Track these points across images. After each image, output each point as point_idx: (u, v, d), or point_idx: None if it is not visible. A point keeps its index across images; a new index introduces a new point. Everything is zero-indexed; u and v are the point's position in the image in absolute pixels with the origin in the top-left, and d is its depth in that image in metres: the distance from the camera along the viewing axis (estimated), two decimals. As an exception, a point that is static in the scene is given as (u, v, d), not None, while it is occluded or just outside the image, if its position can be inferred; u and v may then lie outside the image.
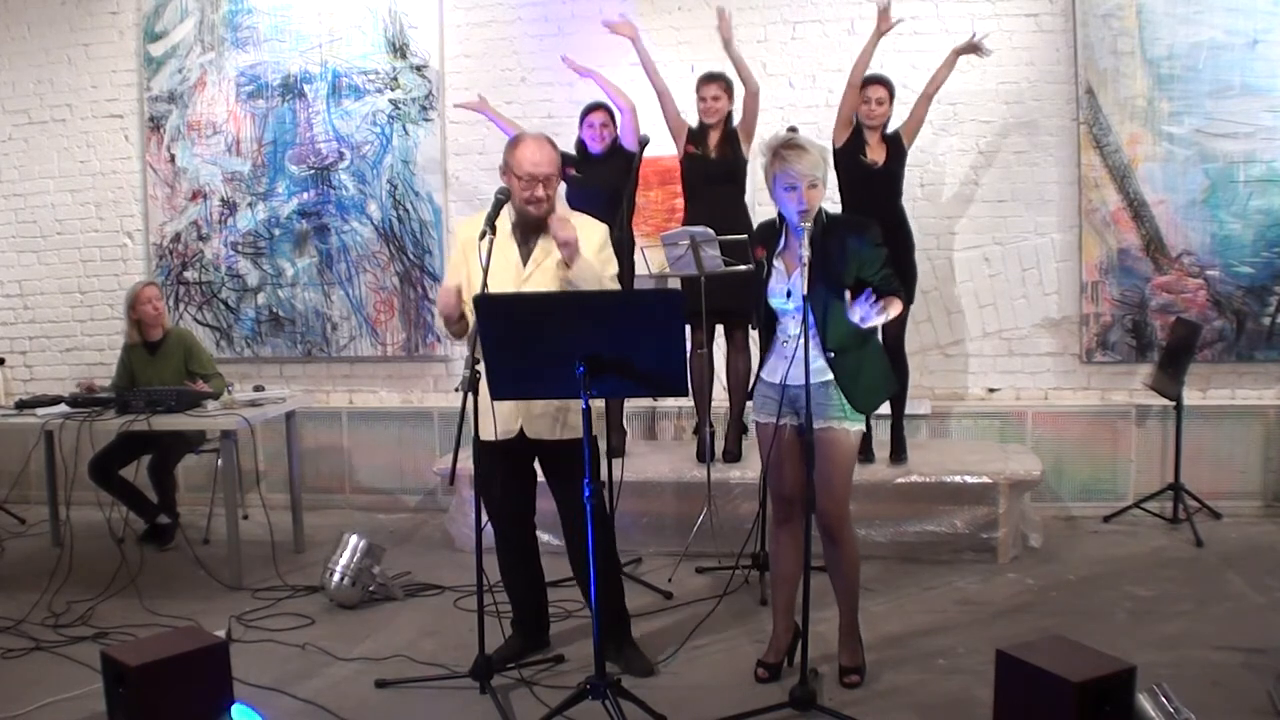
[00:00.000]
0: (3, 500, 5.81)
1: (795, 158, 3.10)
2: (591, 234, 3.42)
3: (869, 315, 3.04)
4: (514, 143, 3.39)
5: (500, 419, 3.36)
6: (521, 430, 3.41)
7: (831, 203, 4.95)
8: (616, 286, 3.48)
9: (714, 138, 4.89)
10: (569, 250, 3.26)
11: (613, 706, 2.98)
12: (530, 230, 3.40)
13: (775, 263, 3.27)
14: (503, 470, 3.48)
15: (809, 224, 3.07)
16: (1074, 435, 5.49)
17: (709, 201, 4.81)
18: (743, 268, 3.84)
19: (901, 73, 5.25)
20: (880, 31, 4.76)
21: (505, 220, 3.40)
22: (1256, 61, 5.24)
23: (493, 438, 3.38)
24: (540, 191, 3.30)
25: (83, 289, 6.44)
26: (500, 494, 3.53)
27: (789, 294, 3.21)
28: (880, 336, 4.73)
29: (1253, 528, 5.13)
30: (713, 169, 4.87)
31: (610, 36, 5.64)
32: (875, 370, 3.30)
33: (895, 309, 3.17)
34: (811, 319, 3.11)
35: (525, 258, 3.40)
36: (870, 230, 3.24)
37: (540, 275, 3.37)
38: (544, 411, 3.37)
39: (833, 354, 3.16)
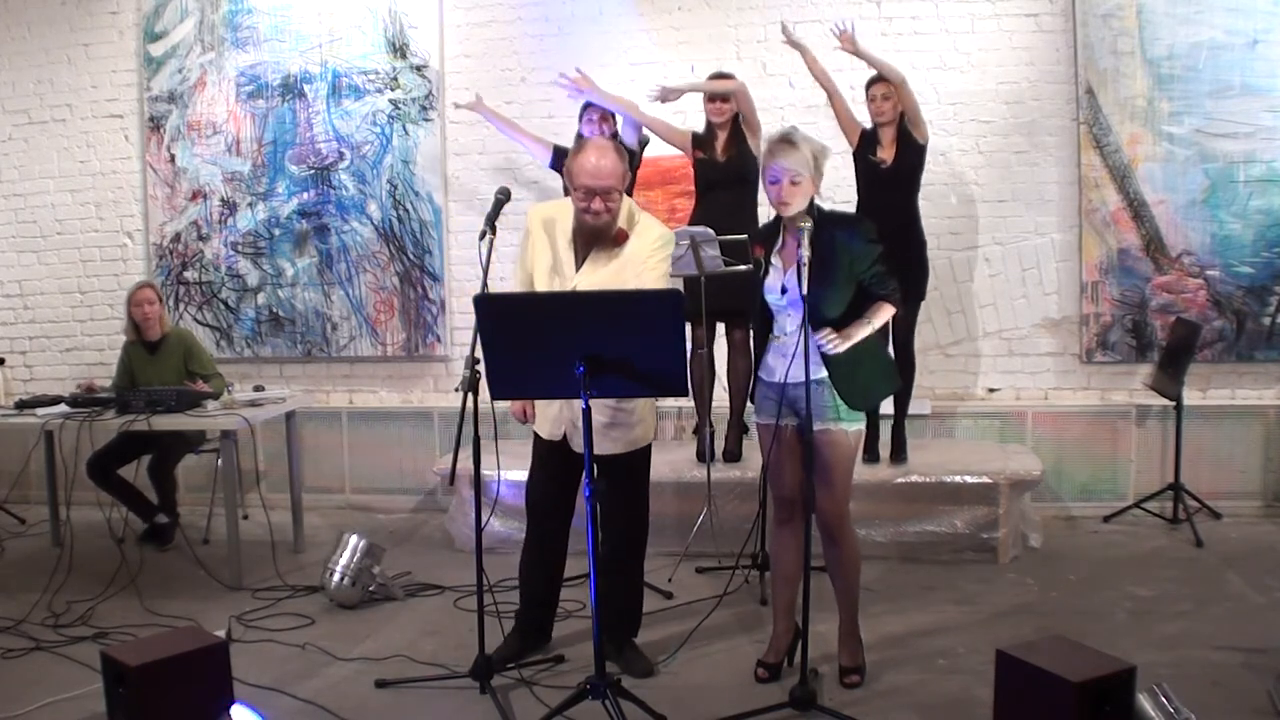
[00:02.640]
0: (3, 500, 5.80)
1: (781, 152, 3.14)
2: (644, 242, 3.36)
3: (825, 347, 3.09)
4: (575, 149, 3.34)
5: (547, 422, 3.46)
6: (566, 440, 3.43)
7: (847, 202, 4.98)
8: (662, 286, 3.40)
9: (721, 139, 4.88)
10: None
11: (613, 706, 2.97)
12: (590, 238, 3.34)
13: (773, 260, 3.29)
14: (550, 467, 3.53)
15: (808, 224, 3.08)
16: (1074, 435, 5.49)
17: (715, 203, 4.82)
18: (743, 268, 3.84)
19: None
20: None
21: (567, 222, 3.37)
22: (1256, 61, 5.24)
23: (542, 434, 3.48)
24: (598, 205, 3.22)
25: (83, 289, 6.44)
26: (539, 488, 3.57)
27: (784, 289, 3.22)
28: (890, 334, 4.78)
29: (1253, 528, 5.13)
30: (720, 172, 4.86)
31: (609, 36, 5.67)
32: (874, 367, 3.29)
33: (883, 316, 3.20)
34: (798, 309, 3.15)
35: (578, 265, 3.37)
36: (862, 225, 3.26)
37: (586, 285, 3.34)
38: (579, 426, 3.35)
39: (823, 343, 3.16)
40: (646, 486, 3.56)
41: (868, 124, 4.87)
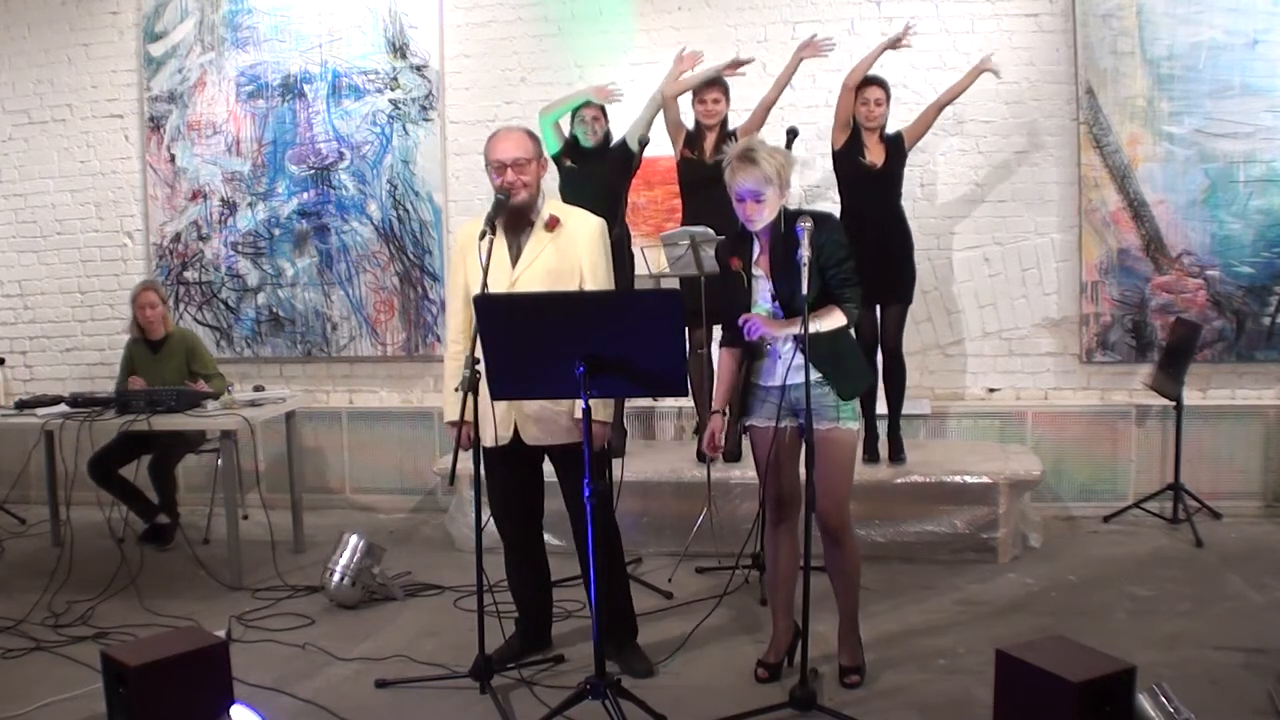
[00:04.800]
0: (3, 500, 5.81)
1: (742, 171, 3.14)
2: (583, 226, 3.43)
3: (746, 326, 3.11)
4: (489, 138, 3.45)
5: (495, 425, 3.37)
6: (518, 436, 3.41)
7: (832, 202, 4.98)
8: (610, 284, 3.47)
9: (710, 141, 4.89)
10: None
11: (613, 706, 2.97)
12: (517, 223, 3.40)
13: (754, 270, 3.29)
14: (505, 474, 3.49)
15: (809, 224, 3.09)
16: (1074, 435, 5.49)
17: (704, 205, 4.81)
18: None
19: (901, 73, 5.26)
20: (889, 44, 4.84)
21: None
22: (1256, 61, 5.24)
23: (492, 444, 3.39)
24: (510, 176, 3.32)
25: (83, 289, 6.44)
26: (503, 498, 3.54)
27: (773, 295, 3.23)
28: (879, 336, 4.78)
29: (1253, 528, 5.13)
30: (707, 173, 4.86)
31: (609, 36, 5.69)
32: (854, 358, 3.32)
33: (831, 320, 3.17)
34: (782, 314, 3.18)
35: (515, 257, 3.39)
36: (832, 223, 3.27)
37: (530, 274, 3.36)
38: (539, 415, 3.37)
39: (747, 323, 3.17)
40: (608, 483, 3.51)
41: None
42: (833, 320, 3.18)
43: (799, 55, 4.91)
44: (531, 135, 3.44)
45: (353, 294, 6.13)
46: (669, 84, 4.98)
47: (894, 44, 4.86)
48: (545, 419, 3.37)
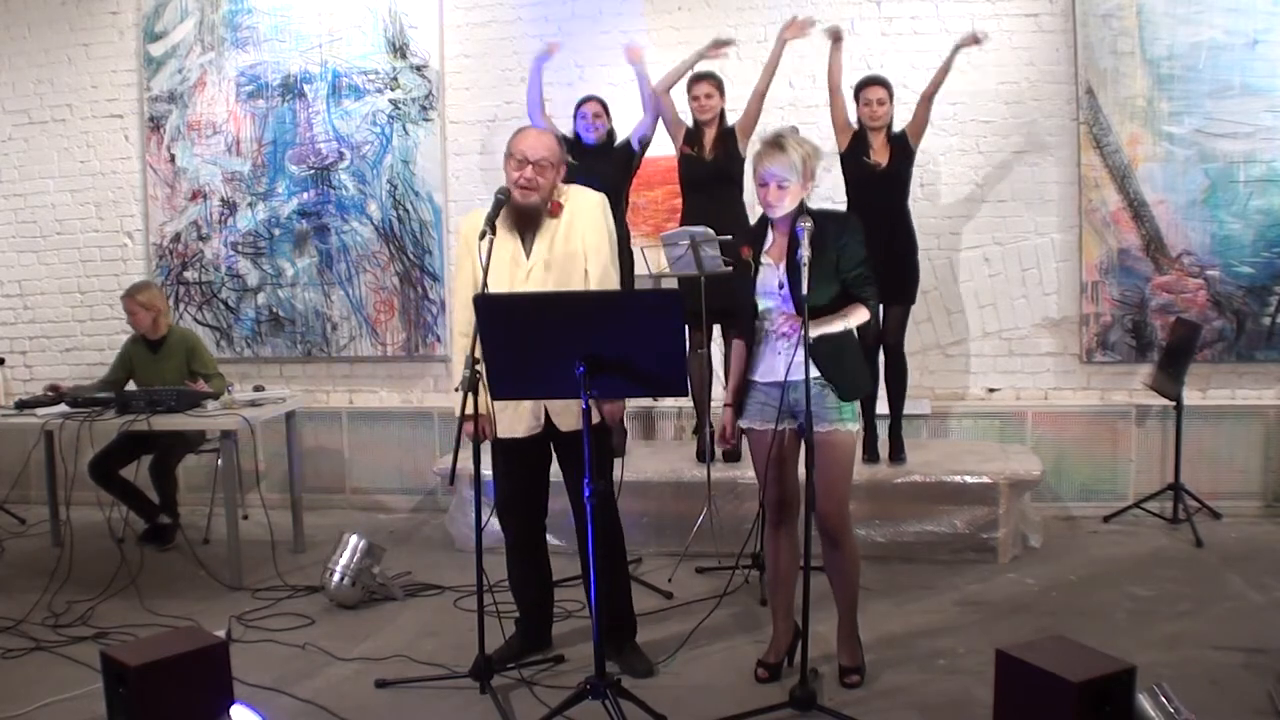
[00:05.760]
0: (3, 500, 5.81)
1: (769, 156, 3.17)
2: (583, 202, 3.42)
3: (783, 325, 3.18)
4: (517, 130, 3.43)
5: (524, 416, 3.39)
6: (545, 426, 3.41)
7: (836, 203, 4.98)
8: (615, 266, 3.46)
9: (709, 137, 4.90)
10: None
11: (613, 706, 2.97)
12: (527, 223, 3.39)
13: (764, 260, 3.30)
14: (518, 469, 3.50)
15: (809, 223, 3.09)
16: (1074, 435, 5.49)
17: (705, 201, 4.82)
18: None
19: (901, 73, 5.26)
20: (834, 40, 4.86)
21: (503, 216, 3.39)
22: (1256, 61, 5.24)
23: (515, 435, 3.40)
24: (529, 173, 3.30)
25: (83, 289, 6.45)
26: (511, 493, 3.54)
27: (780, 285, 3.23)
28: (881, 335, 4.78)
29: (1253, 528, 5.13)
30: (707, 169, 4.87)
31: (609, 36, 5.68)
32: (856, 360, 3.32)
33: (856, 318, 3.21)
34: (792, 307, 3.19)
35: (526, 253, 3.40)
36: (852, 223, 3.29)
37: (541, 271, 3.37)
38: (567, 403, 3.35)
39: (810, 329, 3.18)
40: (610, 478, 3.49)
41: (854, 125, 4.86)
42: (857, 317, 3.22)
43: (782, 37, 4.92)
44: (560, 142, 3.43)
45: (353, 294, 6.13)
46: (660, 81, 4.99)
47: (835, 39, 4.85)
48: (571, 406, 3.33)
